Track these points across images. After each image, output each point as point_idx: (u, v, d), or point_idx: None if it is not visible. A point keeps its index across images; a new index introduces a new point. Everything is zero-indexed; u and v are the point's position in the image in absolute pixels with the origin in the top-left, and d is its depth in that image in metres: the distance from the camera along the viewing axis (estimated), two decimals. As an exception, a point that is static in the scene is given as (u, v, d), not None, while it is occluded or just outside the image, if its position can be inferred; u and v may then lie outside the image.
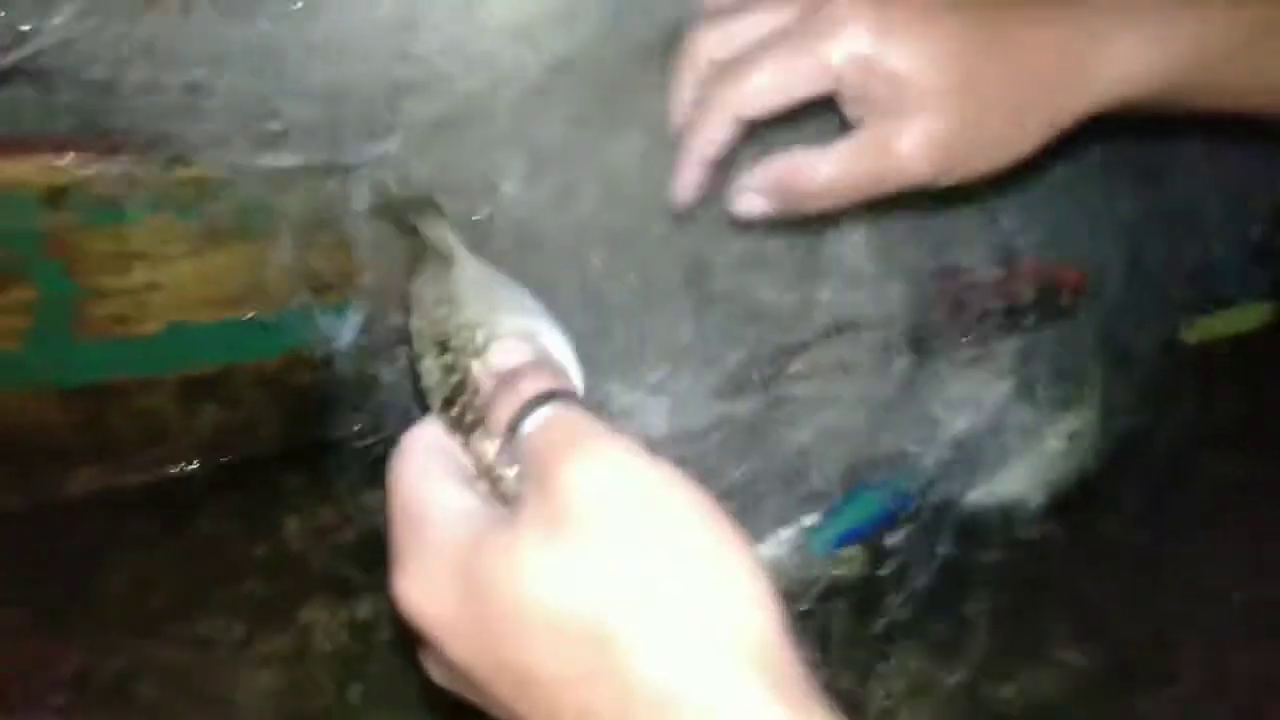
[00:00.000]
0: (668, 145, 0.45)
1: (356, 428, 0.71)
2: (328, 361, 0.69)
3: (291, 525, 0.72)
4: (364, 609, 0.66)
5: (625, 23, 0.55)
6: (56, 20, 0.49)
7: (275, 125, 0.55)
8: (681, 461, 0.28)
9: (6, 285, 0.59)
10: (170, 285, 0.64)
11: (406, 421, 0.34)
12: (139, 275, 0.62)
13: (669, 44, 0.46)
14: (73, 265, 0.60)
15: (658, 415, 0.55)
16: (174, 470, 0.72)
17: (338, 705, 0.61)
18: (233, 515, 0.71)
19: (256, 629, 0.65)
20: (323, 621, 0.66)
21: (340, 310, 0.67)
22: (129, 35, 0.50)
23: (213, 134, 0.57)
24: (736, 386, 0.54)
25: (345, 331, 0.68)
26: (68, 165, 0.57)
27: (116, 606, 0.65)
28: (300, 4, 0.52)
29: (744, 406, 0.54)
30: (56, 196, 0.57)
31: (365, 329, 0.68)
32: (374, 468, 0.67)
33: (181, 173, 0.59)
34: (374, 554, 0.67)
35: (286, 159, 0.58)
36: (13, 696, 0.59)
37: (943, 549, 0.60)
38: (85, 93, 0.53)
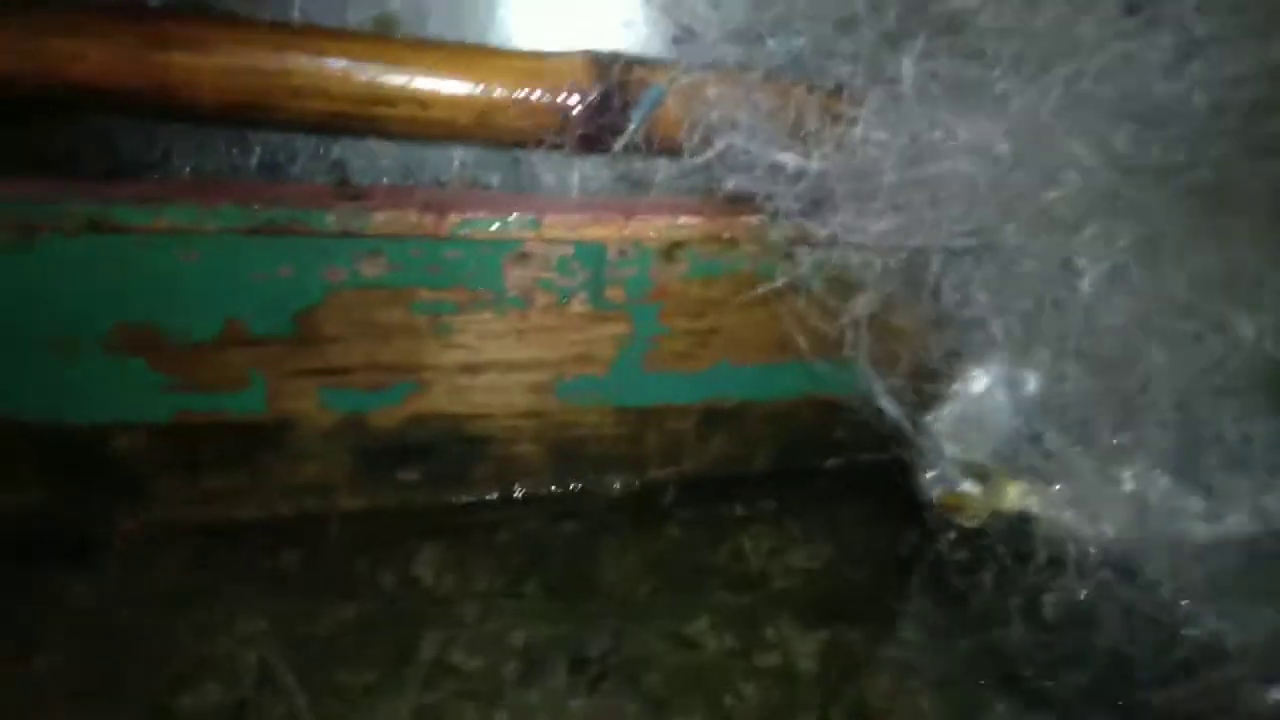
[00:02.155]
0: None
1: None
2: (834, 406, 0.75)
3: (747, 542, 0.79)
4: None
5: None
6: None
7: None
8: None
9: (611, 320, 0.69)
10: (725, 330, 0.72)
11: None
12: (707, 320, 0.71)
13: None
14: (665, 309, 0.69)
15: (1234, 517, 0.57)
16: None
17: None
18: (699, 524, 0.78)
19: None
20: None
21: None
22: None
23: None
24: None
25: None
26: (684, 224, 0.65)
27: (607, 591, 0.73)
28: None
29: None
30: (673, 250, 0.66)
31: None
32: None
33: (774, 234, 0.66)
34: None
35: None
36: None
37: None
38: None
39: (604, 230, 0.65)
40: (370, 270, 0.63)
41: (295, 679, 0.61)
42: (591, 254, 0.66)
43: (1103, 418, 0.61)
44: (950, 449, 0.70)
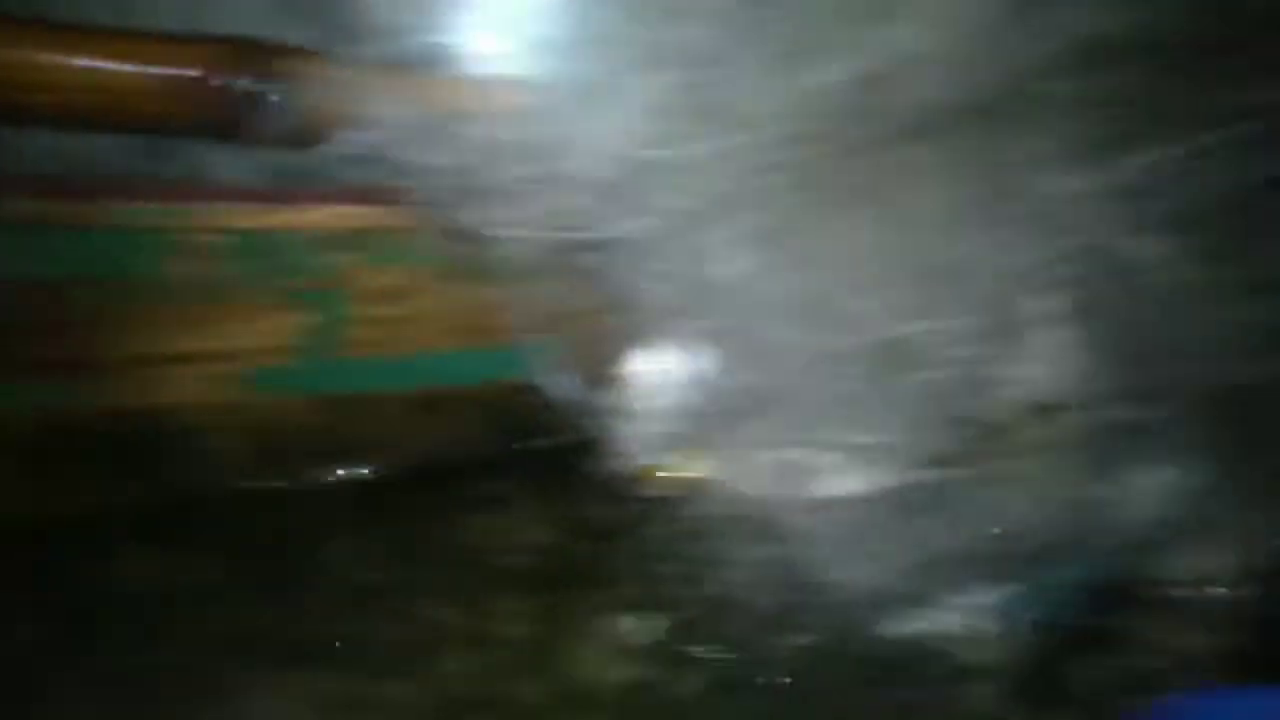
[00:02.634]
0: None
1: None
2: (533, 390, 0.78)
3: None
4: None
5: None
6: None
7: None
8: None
9: (297, 309, 0.69)
10: (421, 317, 0.73)
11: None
12: (401, 307, 0.72)
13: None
14: (355, 296, 0.70)
15: (855, 476, 0.63)
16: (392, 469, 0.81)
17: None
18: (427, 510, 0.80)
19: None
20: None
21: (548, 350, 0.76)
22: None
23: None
24: (937, 457, 0.62)
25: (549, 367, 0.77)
26: (368, 213, 0.66)
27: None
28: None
29: (942, 475, 0.61)
30: (357, 238, 0.67)
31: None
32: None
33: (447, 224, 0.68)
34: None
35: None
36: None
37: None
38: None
39: (280, 218, 0.65)
40: (24, 264, 0.61)
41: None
42: (270, 242, 0.66)
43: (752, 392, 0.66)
44: (638, 426, 0.74)
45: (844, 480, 0.65)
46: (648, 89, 0.58)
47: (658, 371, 0.70)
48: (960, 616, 0.63)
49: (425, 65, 0.59)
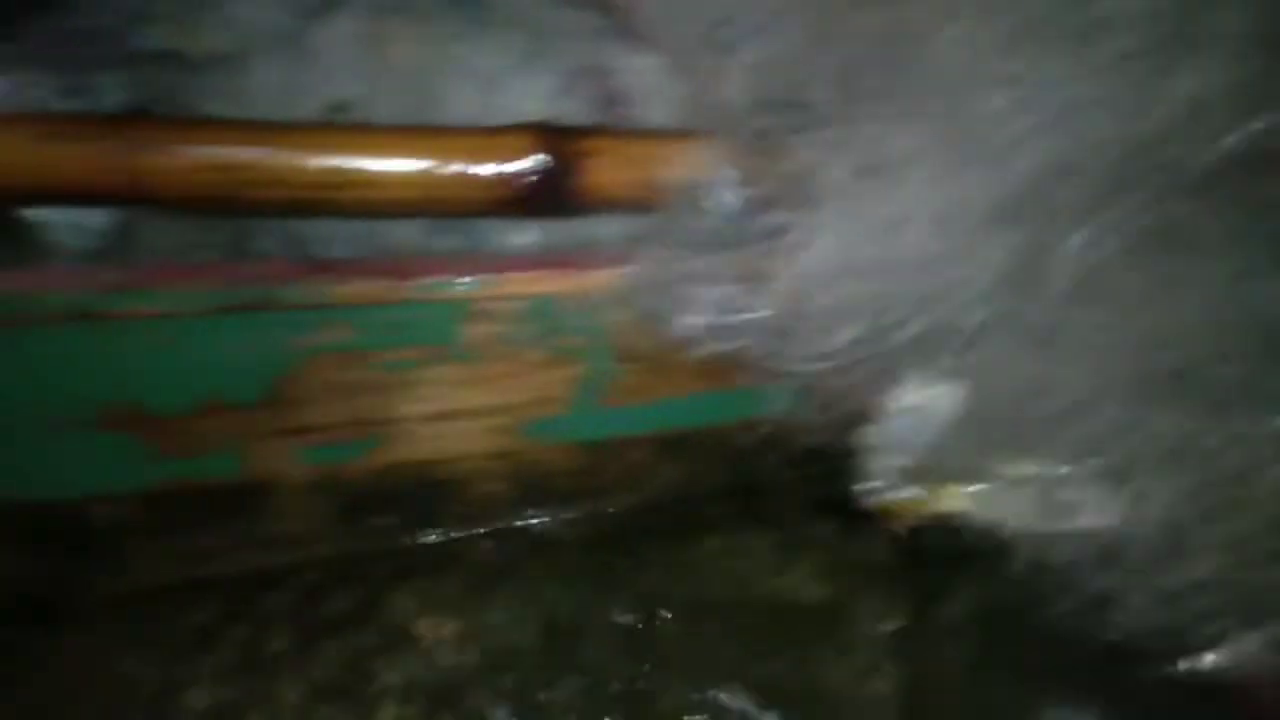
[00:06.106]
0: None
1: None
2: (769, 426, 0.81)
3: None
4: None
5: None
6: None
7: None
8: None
9: (567, 364, 0.74)
10: (669, 365, 0.77)
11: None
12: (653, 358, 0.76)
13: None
14: (620, 351, 0.74)
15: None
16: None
17: None
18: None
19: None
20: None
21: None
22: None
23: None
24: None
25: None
26: (630, 276, 0.71)
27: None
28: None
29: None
30: (620, 298, 0.71)
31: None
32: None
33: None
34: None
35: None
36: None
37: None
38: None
39: (560, 283, 0.70)
40: (335, 336, 0.68)
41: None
42: (550, 306, 0.71)
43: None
44: (887, 459, 0.77)
45: (1106, 512, 0.66)
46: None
47: (913, 402, 0.72)
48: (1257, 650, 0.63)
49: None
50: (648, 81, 0.65)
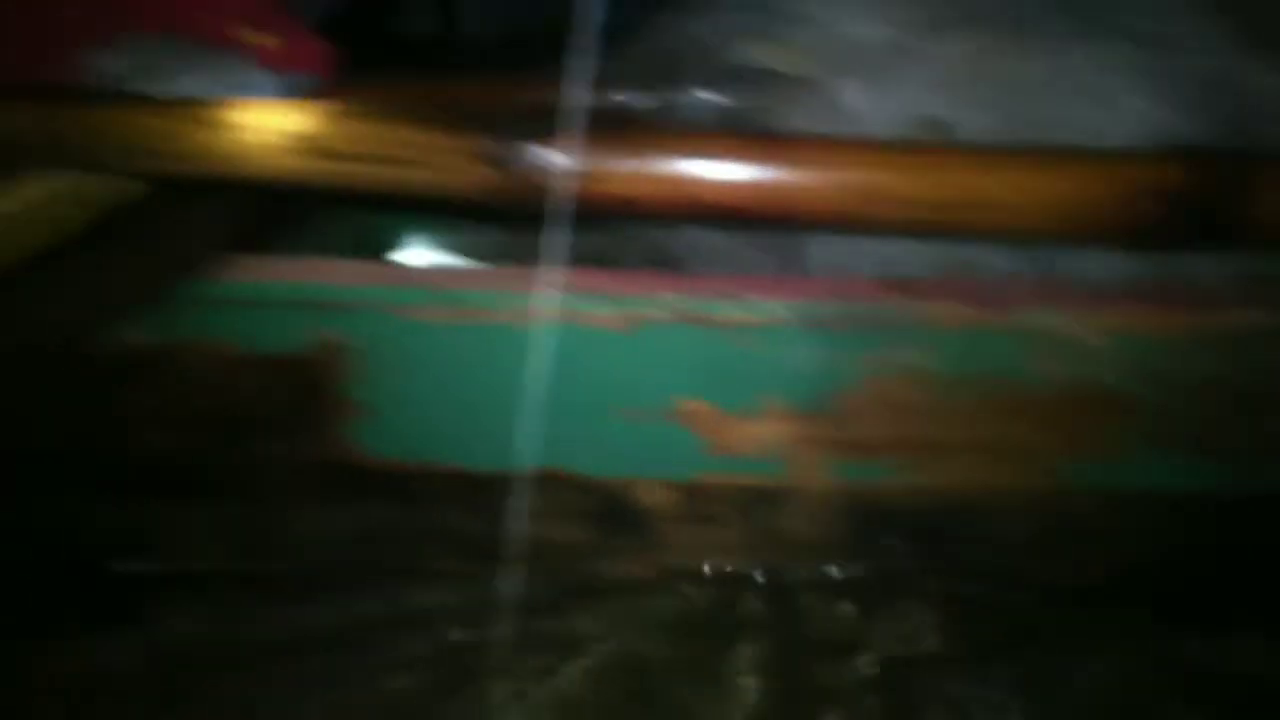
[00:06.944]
0: None
1: None
2: None
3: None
4: None
5: None
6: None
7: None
8: None
9: (1133, 409, 0.68)
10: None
11: None
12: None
13: None
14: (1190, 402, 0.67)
15: None
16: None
17: None
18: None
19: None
20: None
21: None
22: None
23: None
24: None
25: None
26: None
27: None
28: None
29: None
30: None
31: None
32: None
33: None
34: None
35: None
36: None
37: None
38: None
39: (1150, 321, 0.64)
40: (904, 356, 0.67)
41: None
42: (1129, 345, 0.65)
43: None
44: None
45: None
46: None
47: None
48: None
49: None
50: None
